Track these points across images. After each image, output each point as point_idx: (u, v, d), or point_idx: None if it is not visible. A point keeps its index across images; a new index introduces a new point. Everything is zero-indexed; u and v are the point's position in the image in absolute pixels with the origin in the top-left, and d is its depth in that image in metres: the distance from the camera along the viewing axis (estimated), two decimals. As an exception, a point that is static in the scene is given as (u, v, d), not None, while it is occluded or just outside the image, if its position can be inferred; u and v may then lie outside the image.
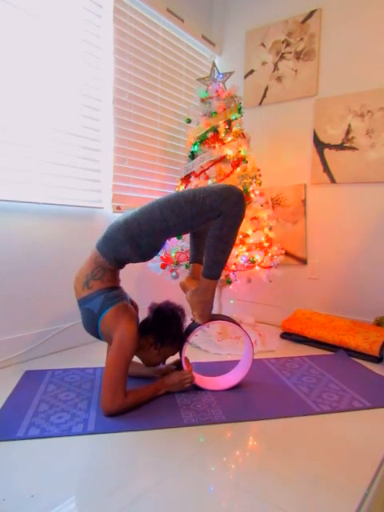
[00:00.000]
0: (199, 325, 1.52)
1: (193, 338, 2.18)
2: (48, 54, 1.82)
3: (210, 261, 1.41)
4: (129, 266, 1.56)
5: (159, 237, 1.41)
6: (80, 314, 1.50)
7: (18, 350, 1.81)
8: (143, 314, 1.59)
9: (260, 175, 2.25)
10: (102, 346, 1.81)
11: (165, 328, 1.50)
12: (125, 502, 0.93)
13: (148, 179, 2.45)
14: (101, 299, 1.43)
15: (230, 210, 1.32)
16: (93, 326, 1.46)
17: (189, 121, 2.34)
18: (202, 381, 1.58)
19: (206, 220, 1.36)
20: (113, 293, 1.46)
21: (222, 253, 1.39)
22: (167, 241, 2.09)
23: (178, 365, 1.62)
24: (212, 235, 1.37)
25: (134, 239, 1.38)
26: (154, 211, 1.37)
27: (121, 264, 1.50)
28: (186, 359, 1.55)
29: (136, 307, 1.66)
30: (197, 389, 1.55)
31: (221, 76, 2.24)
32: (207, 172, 2.14)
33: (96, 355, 1.90)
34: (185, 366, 1.53)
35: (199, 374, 1.63)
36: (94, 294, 1.44)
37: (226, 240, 1.38)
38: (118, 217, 1.46)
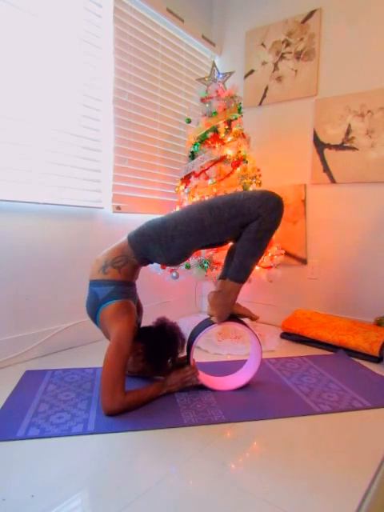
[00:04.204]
0: (213, 323, 1.51)
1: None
2: (48, 53, 1.82)
3: (240, 264, 1.41)
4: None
5: (192, 240, 1.40)
6: (87, 293, 1.52)
7: (18, 350, 1.81)
8: (145, 317, 1.58)
9: (260, 175, 2.25)
10: (102, 347, 1.81)
11: (157, 348, 1.50)
12: (125, 501, 0.93)
13: (148, 179, 2.45)
14: (110, 289, 1.44)
15: (268, 214, 1.35)
16: (93, 310, 1.49)
17: (189, 121, 2.34)
18: (208, 380, 1.57)
19: (242, 223, 1.36)
20: (124, 288, 1.47)
21: (252, 257, 1.40)
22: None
23: (179, 364, 1.61)
24: (245, 238, 1.37)
25: (167, 239, 1.38)
26: (192, 211, 1.38)
27: (145, 261, 1.50)
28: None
29: (141, 309, 1.66)
30: (199, 388, 1.54)
31: (221, 76, 2.24)
32: (207, 172, 2.14)
33: (96, 355, 1.90)
34: (192, 364, 1.52)
35: (206, 374, 1.62)
36: (106, 282, 1.45)
37: (259, 244, 1.38)
38: (158, 217, 1.48)
